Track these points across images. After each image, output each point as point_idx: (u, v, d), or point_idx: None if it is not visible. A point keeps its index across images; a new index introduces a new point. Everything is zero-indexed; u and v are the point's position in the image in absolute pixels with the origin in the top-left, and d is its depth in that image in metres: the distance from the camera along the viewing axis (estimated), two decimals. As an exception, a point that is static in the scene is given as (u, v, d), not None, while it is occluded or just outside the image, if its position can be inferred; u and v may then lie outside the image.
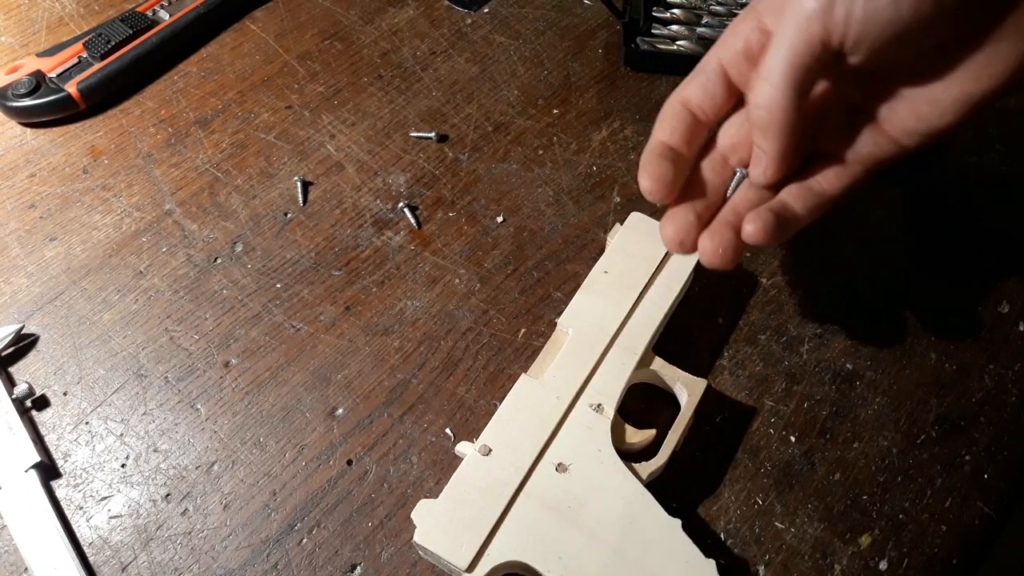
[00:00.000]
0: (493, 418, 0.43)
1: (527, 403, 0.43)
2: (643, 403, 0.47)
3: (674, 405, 0.46)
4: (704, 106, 0.39)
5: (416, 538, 0.39)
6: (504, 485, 0.40)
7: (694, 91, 0.39)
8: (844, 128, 0.39)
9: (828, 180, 0.39)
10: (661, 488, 0.44)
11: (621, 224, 0.51)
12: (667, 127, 0.39)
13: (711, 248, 0.37)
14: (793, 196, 0.39)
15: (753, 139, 0.38)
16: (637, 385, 0.47)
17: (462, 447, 0.43)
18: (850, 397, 0.48)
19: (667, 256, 0.48)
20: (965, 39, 0.34)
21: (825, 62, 0.34)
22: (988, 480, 0.45)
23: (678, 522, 0.40)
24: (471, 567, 0.38)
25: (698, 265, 0.49)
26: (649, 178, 0.38)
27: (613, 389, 0.44)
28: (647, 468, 0.42)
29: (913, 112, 0.36)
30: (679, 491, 0.44)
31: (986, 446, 0.46)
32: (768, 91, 0.35)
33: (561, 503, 0.40)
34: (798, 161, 0.39)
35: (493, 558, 0.38)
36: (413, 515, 0.40)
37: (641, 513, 0.40)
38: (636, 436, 0.44)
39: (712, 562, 0.39)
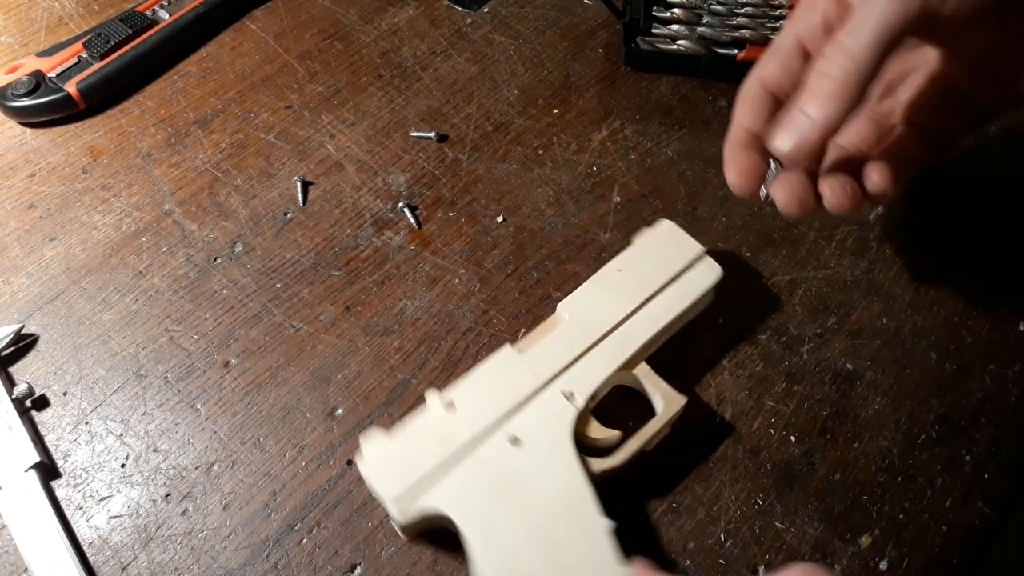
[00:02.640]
0: (466, 376, 0.43)
1: (503, 373, 0.43)
2: (634, 406, 0.47)
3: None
4: (784, 84, 0.38)
5: (359, 463, 0.41)
6: (457, 442, 0.41)
7: (772, 70, 0.39)
8: (940, 103, 0.40)
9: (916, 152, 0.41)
10: (662, 489, 0.44)
11: (648, 227, 0.50)
12: (749, 112, 0.39)
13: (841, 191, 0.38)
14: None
15: (802, 103, 0.36)
16: (629, 389, 0.47)
17: (429, 395, 0.43)
18: (850, 397, 0.48)
19: (686, 270, 0.47)
20: None
21: (916, 30, 0.34)
22: (988, 480, 0.45)
23: (608, 524, 0.40)
24: (401, 507, 0.39)
25: (721, 287, 0.48)
26: (738, 173, 0.38)
27: (590, 382, 0.44)
28: (599, 464, 0.42)
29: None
30: (679, 491, 0.44)
31: (986, 446, 0.46)
32: (845, 60, 0.34)
33: (504, 475, 0.41)
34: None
35: (422, 505, 0.39)
36: (361, 439, 0.41)
37: (576, 506, 0.40)
38: (600, 433, 0.44)
39: (627, 571, 0.38)
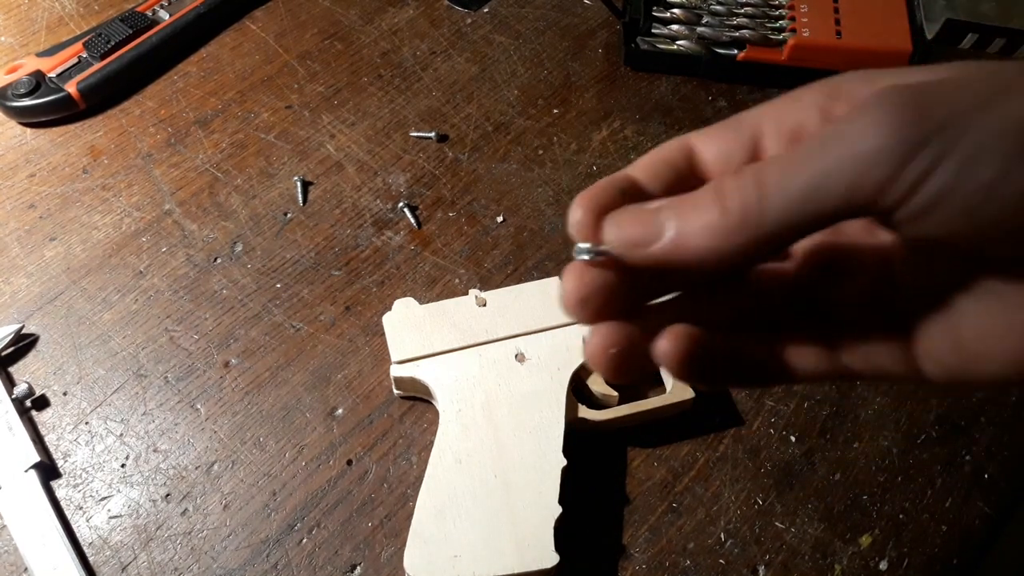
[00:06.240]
0: (512, 287, 0.48)
1: (541, 298, 0.47)
2: (654, 388, 0.47)
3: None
4: (713, 165, 0.27)
5: (384, 318, 0.46)
6: (472, 335, 0.45)
7: (710, 143, 0.27)
8: (865, 307, 0.26)
9: (803, 359, 0.26)
10: (662, 489, 0.44)
11: None
12: (649, 170, 0.26)
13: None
14: (745, 346, 0.25)
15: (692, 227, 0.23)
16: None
17: (474, 291, 0.48)
18: (850, 397, 0.48)
19: None
20: None
21: (856, 215, 0.22)
22: (988, 480, 0.45)
23: (563, 462, 0.42)
24: (400, 366, 0.45)
25: None
26: (583, 209, 0.24)
27: None
28: (585, 412, 0.45)
29: (951, 336, 0.24)
30: (679, 491, 0.44)
31: (986, 446, 0.46)
32: (757, 208, 0.22)
33: (496, 381, 0.44)
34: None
35: (415, 370, 0.45)
36: (397, 302, 0.47)
37: (542, 436, 0.43)
38: (599, 387, 0.46)
39: (558, 508, 0.41)
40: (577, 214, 0.24)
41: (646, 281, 0.25)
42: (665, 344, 0.23)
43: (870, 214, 0.21)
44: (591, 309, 0.24)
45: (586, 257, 0.23)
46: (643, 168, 0.26)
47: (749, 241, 0.22)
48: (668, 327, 0.23)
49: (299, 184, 0.56)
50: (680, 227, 0.23)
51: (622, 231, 0.23)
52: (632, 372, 0.24)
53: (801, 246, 0.27)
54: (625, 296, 0.24)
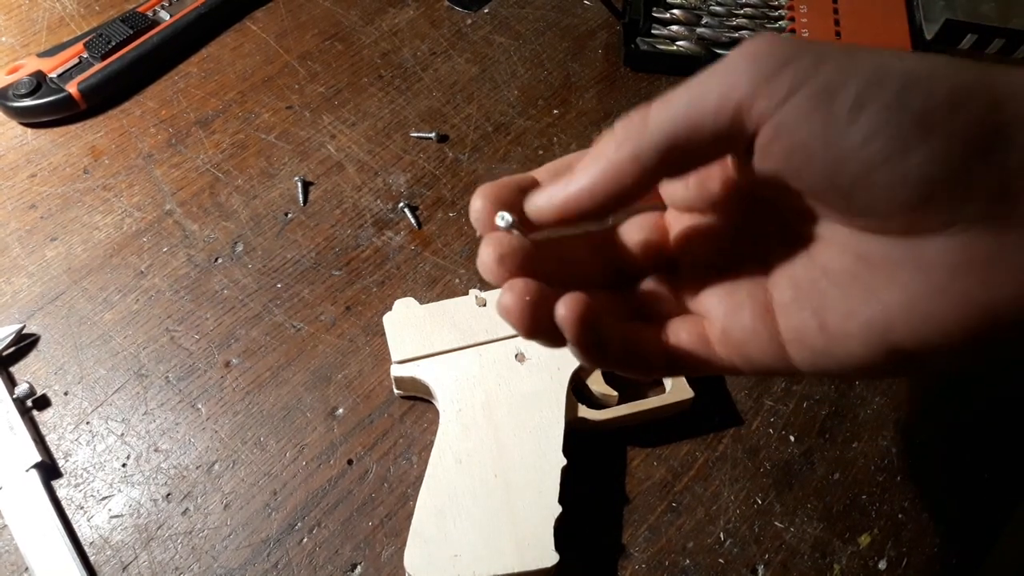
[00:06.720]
0: None
1: None
2: (653, 386, 0.47)
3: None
4: None
5: (384, 318, 0.47)
6: (472, 336, 0.46)
7: None
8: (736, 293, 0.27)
9: (683, 352, 0.27)
10: (662, 488, 0.44)
11: None
12: (552, 173, 0.29)
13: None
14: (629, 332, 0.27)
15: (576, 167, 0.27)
16: None
17: (474, 290, 0.48)
18: (849, 397, 0.48)
19: None
20: (925, 250, 0.22)
21: (727, 140, 0.24)
22: (988, 480, 0.45)
23: (563, 461, 0.42)
24: (400, 366, 0.45)
25: None
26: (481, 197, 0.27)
27: None
28: (584, 411, 0.45)
29: (817, 318, 0.25)
30: (678, 490, 0.44)
31: (986, 445, 0.47)
32: (641, 126, 0.25)
33: (496, 381, 0.44)
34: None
35: (416, 370, 0.45)
36: (397, 302, 0.47)
37: (542, 436, 0.43)
38: (599, 387, 0.46)
39: (558, 508, 0.41)
40: (477, 203, 0.27)
41: (553, 251, 0.28)
42: (562, 308, 0.25)
43: (737, 139, 0.24)
44: (506, 267, 0.26)
45: (502, 224, 0.27)
46: (547, 171, 0.29)
47: (640, 153, 0.24)
48: (566, 294, 0.25)
49: (300, 184, 0.56)
50: (581, 164, 0.26)
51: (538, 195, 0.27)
52: (542, 328, 0.26)
53: (679, 244, 0.29)
54: (536, 262, 0.27)
